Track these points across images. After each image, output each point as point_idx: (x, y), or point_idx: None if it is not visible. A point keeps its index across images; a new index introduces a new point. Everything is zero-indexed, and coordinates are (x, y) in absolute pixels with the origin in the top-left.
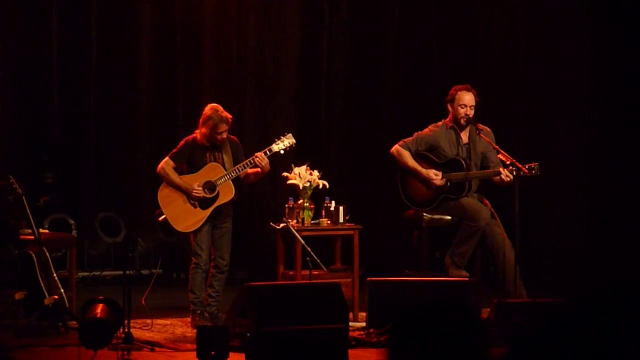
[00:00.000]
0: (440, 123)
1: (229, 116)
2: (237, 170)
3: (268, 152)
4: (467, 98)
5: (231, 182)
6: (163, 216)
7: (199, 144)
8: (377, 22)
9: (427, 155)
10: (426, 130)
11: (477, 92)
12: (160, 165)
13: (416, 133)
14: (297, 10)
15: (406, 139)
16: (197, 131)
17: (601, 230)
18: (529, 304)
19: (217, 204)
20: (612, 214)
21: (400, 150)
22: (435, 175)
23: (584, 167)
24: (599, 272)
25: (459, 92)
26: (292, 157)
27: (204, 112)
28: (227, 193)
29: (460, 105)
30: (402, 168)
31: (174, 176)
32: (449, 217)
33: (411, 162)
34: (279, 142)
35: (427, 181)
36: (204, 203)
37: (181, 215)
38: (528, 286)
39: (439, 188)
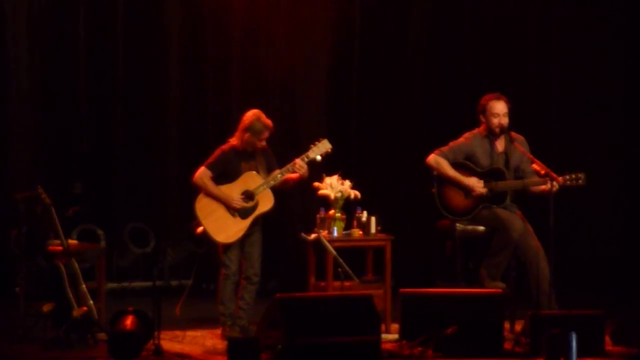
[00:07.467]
0: (474, 132)
1: (271, 123)
2: (275, 178)
3: (305, 159)
4: (499, 106)
5: (269, 191)
6: (201, 228)
7: (236, 152)
8: (408, 29)
9: (466, 163)
10: (461, 139)
11: (507, 99)
12: (197, 175)
13: (451, 142)
14: (327, 19)
15: (442, 148)
16: (232, 139)
17: (637, 242)
18: (563, 316)
19: (256, 213)
20: None
21: (438, 159)
22: (478, 183)
23: (620, 177)
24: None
25: (490, 102)
26: (324, 167)
27: (244, 117)
28: (266, 202)
29: (493, 115)
30: (440, 177)
31: (213, 187)
32: (482, 228)
33: (451, 171)
34: (314, 148)
35: (467, 190)
36: (243, 213)
37: (221, 226)
38: (563, 298)
39: (480, 197)
